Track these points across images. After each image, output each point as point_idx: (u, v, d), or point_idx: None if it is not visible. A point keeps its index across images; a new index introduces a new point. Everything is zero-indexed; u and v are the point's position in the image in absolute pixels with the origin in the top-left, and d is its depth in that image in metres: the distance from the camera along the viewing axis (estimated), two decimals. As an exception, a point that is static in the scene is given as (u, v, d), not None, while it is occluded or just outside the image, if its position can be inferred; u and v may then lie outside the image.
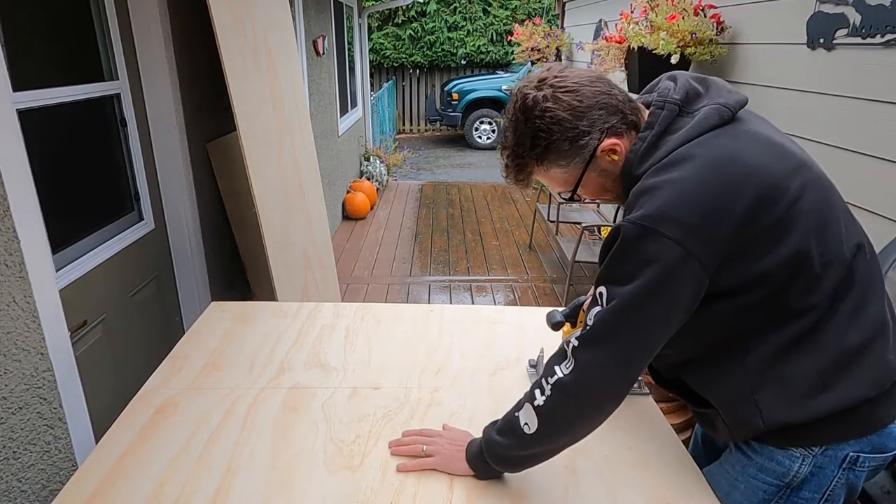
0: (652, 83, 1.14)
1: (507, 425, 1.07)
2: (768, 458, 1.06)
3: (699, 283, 0.93)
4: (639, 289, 0.92)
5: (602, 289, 0.98)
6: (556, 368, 1.01)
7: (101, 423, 1.59)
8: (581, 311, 1.42)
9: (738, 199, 0.92)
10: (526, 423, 1.02)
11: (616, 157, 1.04)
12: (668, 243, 0.90)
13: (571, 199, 1.14)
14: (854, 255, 1.01)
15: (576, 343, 0.98)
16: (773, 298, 0.97)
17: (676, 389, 1.20)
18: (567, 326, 1.44)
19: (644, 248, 0.92)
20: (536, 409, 1.01)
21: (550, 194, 5.10)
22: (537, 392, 1.03)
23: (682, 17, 3.12)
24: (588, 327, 0.98)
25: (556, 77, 1.03)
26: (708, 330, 1.02)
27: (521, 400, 1.08)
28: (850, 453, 1.02)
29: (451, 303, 4.28)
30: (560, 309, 1.47)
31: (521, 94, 1.04)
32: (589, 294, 1.42)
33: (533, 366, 1.52)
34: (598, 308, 0.97)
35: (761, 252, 0.94)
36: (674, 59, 3.11)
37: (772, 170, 0.95)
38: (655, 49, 3.17)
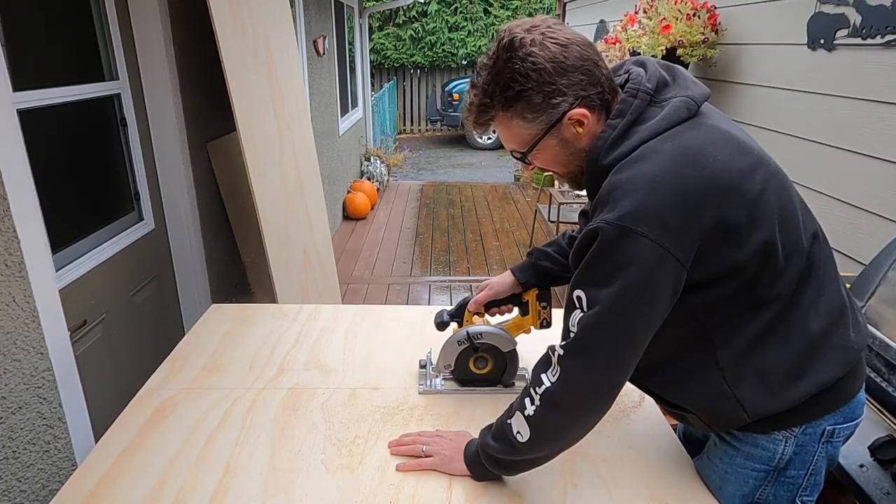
0: (617, 65, 1.12)
1: (501, 432, 1.07)
2: (753, 445, 1.08)
3: (678, 278, 0.93)
4: (620, 291, 0.91)
5: (580, 292, 0.96)
6: (543, 377, 1.00)
7: (101, 423, 1.59)
8: (467, 311, 1.42)
9: (710, 194, 0.92)
10: (518, 432, 1.02)
11: (581, 131, 1.01)
12: (647, 243, 0.89)
13: (522, 160, 1.09)
14: (811, 245, 1.03)
15: (561, 352, 0.97)
16: (741, 290, 0.98)
17: (645, 391, 1.20)
18: (455, 326, 1.44)
19: (622, 248, 0.90)
20: (527, 418, 1.01)
21: (551, 195, 5.10)
22: (527, 401, 1.02)
23: (677, 21, 3.13)
24: (572, 334, 0.96)
25: (549, 27, 0.98)
26: (677, 326, 1.00)
27: (512, 406, 1.07)
28: (827, 427, 1.06)
29: (451, 303, 4.27)
30: (448, 308, 1.46)
31: (510, 32, 0.98)
32: (479, 292, 1.42)
33: (423, 366, 1.50)
34: (579, 313, 0.95)
35: (733, 245, 0.94)
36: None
37: (737, 165, 0.95)
38: (640, 53, 3.21)
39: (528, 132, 1.03)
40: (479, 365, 1.42)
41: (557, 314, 1.50)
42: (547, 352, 1.02)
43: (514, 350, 1.41)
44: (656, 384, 1.14)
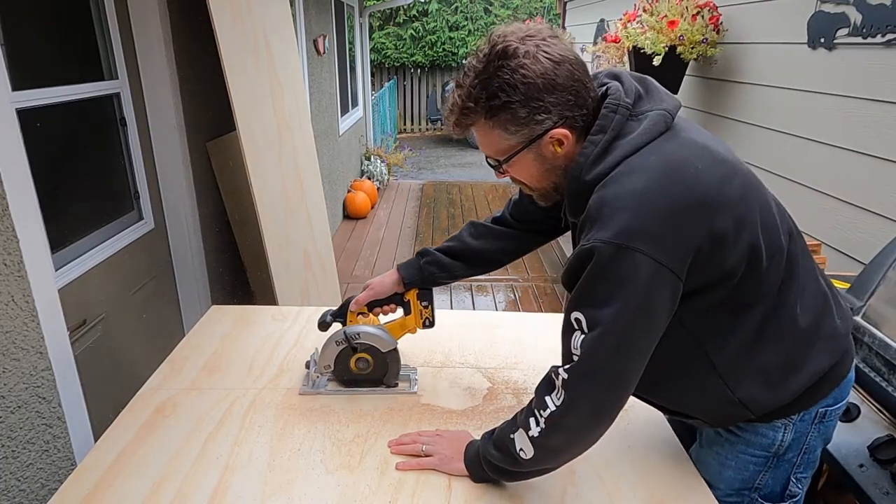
0: (591, 74, 1.11)
1: (503, 444, 1.06)
2: (753, 433, 1.12)
3: (675, 290, 0.93)
4: (621, 309, 0.91)
5: (578, 314, 0.95)
6: (548, 400, 0.99)
7: (100, 423, 1.59)
8: (350, 312, 1.41)
9: (698, 205, 0.92)
10: (521, 449, 1.02)
11: (559, 150, 1.01)
12: (643, 259, 0.89)
13: (496, 169, 1.09)
14: (788, 243, 1.05)
15: (565, 375, 0.96)
16: (730, 295, 1.00)
17: (647, 403, 1.22)
18: (339, 326, 1.43)
19: (619, 266, 0.90)
20: (531, 438, 1.01)
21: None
22: (532, 422, 1.01)
23: (683, 19, 3.13)
24: (576, 357, 0.95)
25: (543, 39, 0.97)
26: (670, 338, 1.00)
27: (516, 420, 1.06)
28: (820, 410, 1.11)
29: (451, 301, 4.28)
30: (332, 309, 1.45)
31: (504, 39, 0.96)
32: (367, 289, 1.41)
33: (308, 366, 1.48)
34: (580, 335, 0.94)
35: (722, 252, 0.94)
36: (656, 62, 3.13)
37: (717, 174, 0.96)
38: (643, 49, 3.20)
39: (507, 143, 1.02)
40: (361, 365, 1.41)
41: (439, 314, 1.49)
42: (549, 374, 1.01)
43: (395, 350, 1.41)
44: (659, 397, 1.16)
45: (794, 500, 1.17)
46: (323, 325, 1.43)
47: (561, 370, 0.97)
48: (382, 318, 1.48)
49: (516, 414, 1.08)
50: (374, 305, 1.42)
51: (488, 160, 1.09)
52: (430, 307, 1.43)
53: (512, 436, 1.04)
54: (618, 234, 0.89)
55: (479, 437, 1.16)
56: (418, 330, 1.46)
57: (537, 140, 1.00)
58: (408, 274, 1.41)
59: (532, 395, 1.33)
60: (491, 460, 1.08)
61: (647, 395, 1.15)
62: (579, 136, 1.01)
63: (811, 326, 1.06)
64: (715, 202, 0.93)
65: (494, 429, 1.11)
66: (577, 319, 0.95)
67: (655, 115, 0.99)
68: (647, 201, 0.91)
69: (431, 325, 1.45)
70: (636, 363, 0.95)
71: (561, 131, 0.99)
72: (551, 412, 0.98)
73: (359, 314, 1.43)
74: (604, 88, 1.04)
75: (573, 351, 0.96)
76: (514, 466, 1.05)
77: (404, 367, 1.46)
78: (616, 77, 1.06)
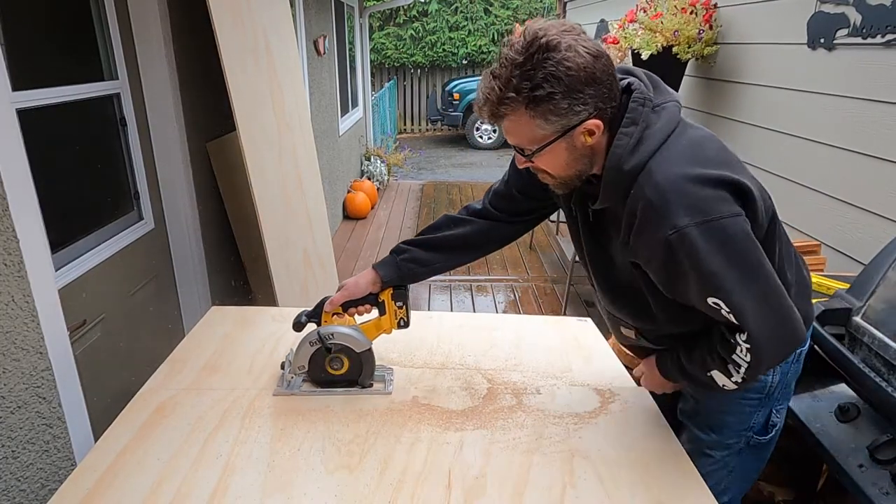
0: None
1: (698, 378, 1.18)
2: None
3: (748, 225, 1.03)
4: (741, 271, 0.99)
5: (713, 300, 1.02)
6: (736, 358, 1.08)
7: (100, 423, 1.59)
8: (324, 312, 1.41)
9: (735, 170, 1.04)
10: (724, 385, 1.15)
11: (589, 140, 1.05)
12: (724, 222, 0.98)
13: (527, 158, 1.09)
14: (774, 207, 1.17)
15: (747, 346, 1.05)
16: None
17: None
18: (314, 326, 1.42)
19: (716, 237, 0.98)
20: (735, 382, 1.12)
21: (551, 194, 5.08)
22: (731, 369, 1.11)
23: (674, 15, 3.12)
24: (743, 325, 1.03)
25: (579, 35, 1.00)
26: (685, 304, 1.10)
27: (706, 362, 1.15)
28: (798, 350, 1.28)
29: (451, 301, 4.28)
30: (307, 309, 1.44)
31: (546, 34, 0.98)
32: (342, 289, 1.40)
33: (283, 367, 1.48)
34: (728, 313, 1.02)
35: (754, 210, 1.04)
36: (644, 55, 3.14)
37: (728, 150, 1.10)
38: (636, 49, 3.21)
39: (543, 133, 1.04)
40: (335, 366, 1.41)
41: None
42: (720, 334, 1.10)
43: (370, 350, 1.41)
44: (669, 341, 1.27)
45: (776, 428, 1.34)
46: (298, 326, 1.43)
47: (738, 337, 1.06)
48: (358, 319, 1.47)
49: (703, 353, 1.16)
50: (349, 306, 1.41)
51: (517, 149, 1.11)
52: (404, 307, 1.43)
53: (709, 374, 1.15)
54: (695, 213, 0.98)
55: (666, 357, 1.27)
56: (394, 331, 1.45)
57: (571, 130, 1.04)
58: (385, 273, 1.40)
59: (531, 395, 1.34)
60: (692, 381, 1.23)
61: (661, 342, 1.29)
62: (607, 126, 1.06)
63: (792, 277, 1.21)
64: (738, 167, 1.06)
65: (681, 358, 1.21)
66: (715, 304, 1.03)
67: (672, 107, 1.08)
68: (696, 178, 1.00)
69: (406, 325, 1.44)
70: (777, 287, 1.04)
71: (594, 122, 1.03)
72: (746, 367, 1.08)
73: (334, 314, 1.42)
74: (624, 83, 1.09)
75: (735, 322, 1.04)
76: (713, 390, 1.18)
77: (379, 367, 1.46)
78: (630, 73, 1.12)
